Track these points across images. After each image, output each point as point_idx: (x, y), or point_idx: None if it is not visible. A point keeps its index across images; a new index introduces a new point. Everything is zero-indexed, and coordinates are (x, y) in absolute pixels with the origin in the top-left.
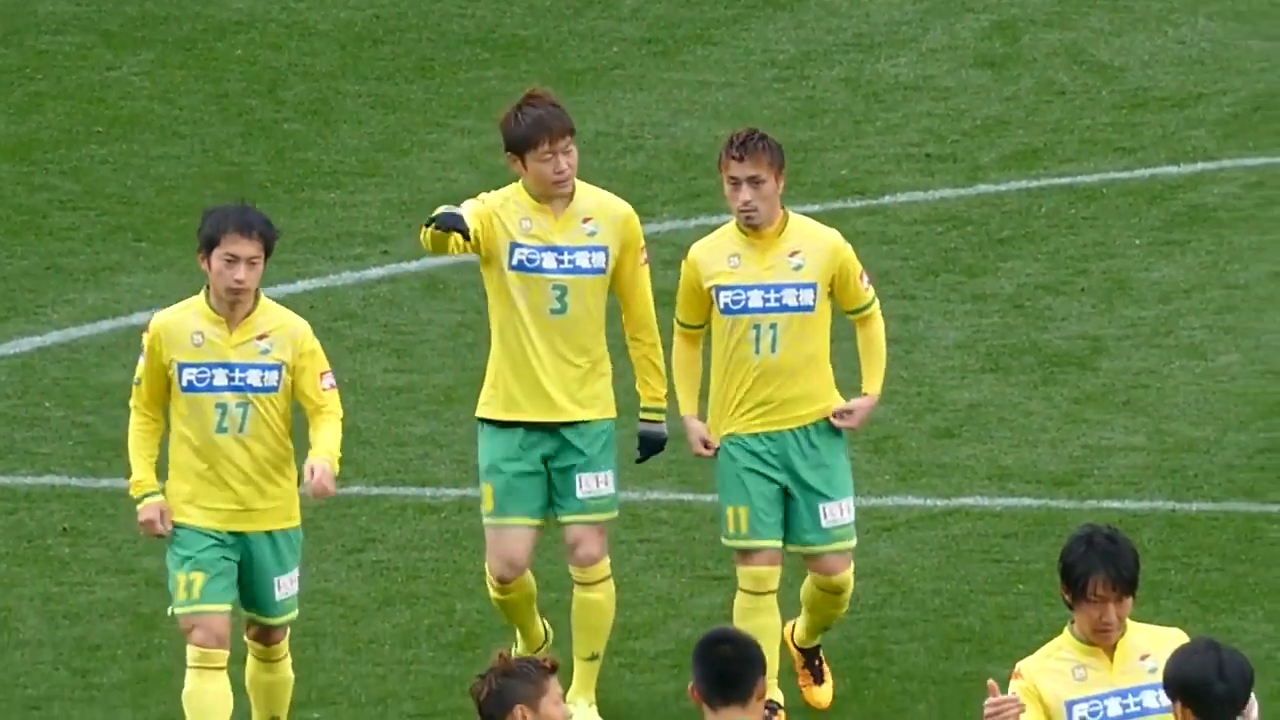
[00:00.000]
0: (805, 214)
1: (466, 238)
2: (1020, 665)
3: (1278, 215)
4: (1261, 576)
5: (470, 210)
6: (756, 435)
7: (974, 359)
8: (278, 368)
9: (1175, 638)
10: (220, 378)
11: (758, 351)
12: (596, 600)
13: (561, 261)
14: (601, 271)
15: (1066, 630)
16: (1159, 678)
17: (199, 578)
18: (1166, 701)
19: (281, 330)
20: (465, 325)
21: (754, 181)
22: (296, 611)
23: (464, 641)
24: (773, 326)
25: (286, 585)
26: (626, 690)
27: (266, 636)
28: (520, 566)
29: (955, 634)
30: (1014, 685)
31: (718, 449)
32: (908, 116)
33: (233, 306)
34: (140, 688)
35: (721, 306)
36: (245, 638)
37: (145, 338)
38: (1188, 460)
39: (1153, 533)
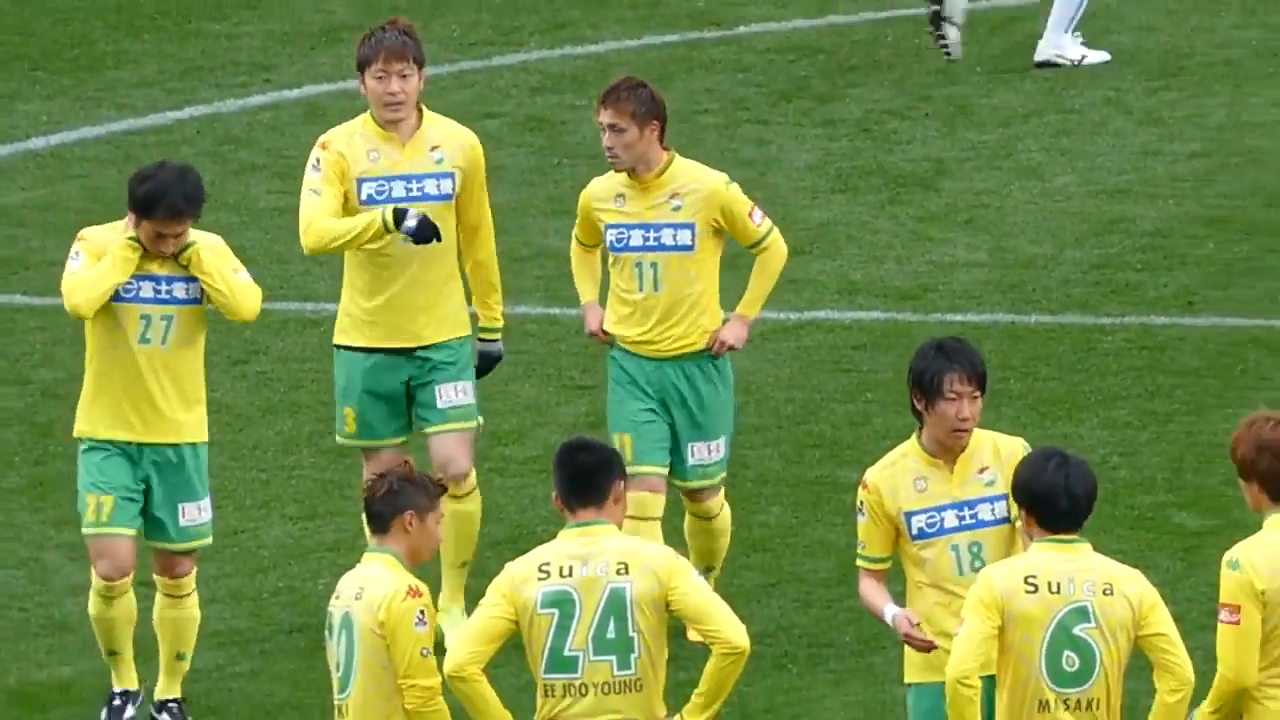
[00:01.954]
0: (664, 44)
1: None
2: (867, 475)
3: (1110, 44)
4: (1096, 385)
5: (318, 178)
6: (640, 358)
7: (824, 180)
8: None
9: (1019, 448)
10: (147, 290)
11: (641, 289)
12: (468, 511)
13: (410, 190)
14: (449, 198)
15: (913, 438)
16: (995, 490)
17: (108, 501)
18: (1001, 514)
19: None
20: None
21: (614, 129)
22: (208, 540)
23: (343, 448)
24: (654, 265)
25: (193, 512)
26: (497, 494)
27: (172, 567)
28: None
29: (807, 440)
30: (861, 495)
31: (610, 342)
32: None
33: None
34: (37, 492)
35: (608, 243)
36: (153, 575)
37: (79, 244)
38: (1026, 276)
39: (993, 344)
